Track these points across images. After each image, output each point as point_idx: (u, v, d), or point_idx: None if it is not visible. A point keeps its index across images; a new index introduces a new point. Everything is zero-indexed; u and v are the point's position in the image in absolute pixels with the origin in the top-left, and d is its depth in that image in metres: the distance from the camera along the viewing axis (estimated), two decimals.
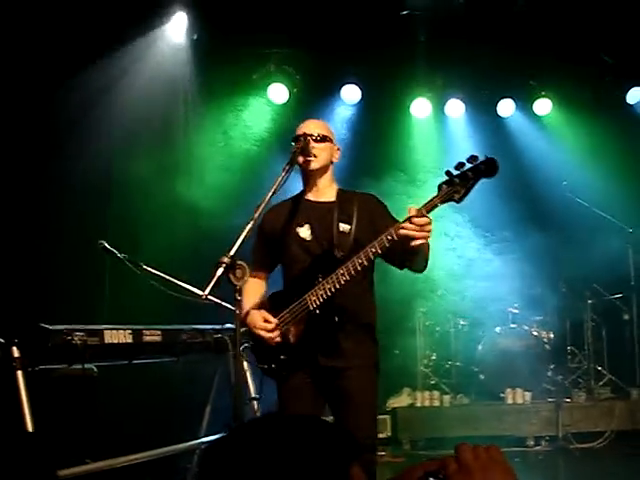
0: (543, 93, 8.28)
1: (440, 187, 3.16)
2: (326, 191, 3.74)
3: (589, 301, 7.54)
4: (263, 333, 3.54)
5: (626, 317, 7.50)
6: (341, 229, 3.60)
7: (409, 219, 3.19)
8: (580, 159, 8.14)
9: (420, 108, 8.23)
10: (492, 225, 7.32)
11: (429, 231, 3.21)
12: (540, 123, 8.49)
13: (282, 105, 7.81)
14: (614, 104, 8.23)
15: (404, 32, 7.47)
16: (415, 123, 8.36)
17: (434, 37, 7.54)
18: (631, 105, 8.27)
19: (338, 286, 3.40)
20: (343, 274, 3.38)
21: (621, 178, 7.71)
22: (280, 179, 3.40)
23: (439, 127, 8.45)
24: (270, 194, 3.34)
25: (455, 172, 3.12)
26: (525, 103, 8.38)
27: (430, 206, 3.19)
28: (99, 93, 6.24)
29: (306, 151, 3.60)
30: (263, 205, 3.30)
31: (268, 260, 3.80)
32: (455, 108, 8.31)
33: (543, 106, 8.32)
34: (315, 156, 3.63)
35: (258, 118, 7.76)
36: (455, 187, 3.12)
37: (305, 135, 3.64)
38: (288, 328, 3.55)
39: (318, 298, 3.45)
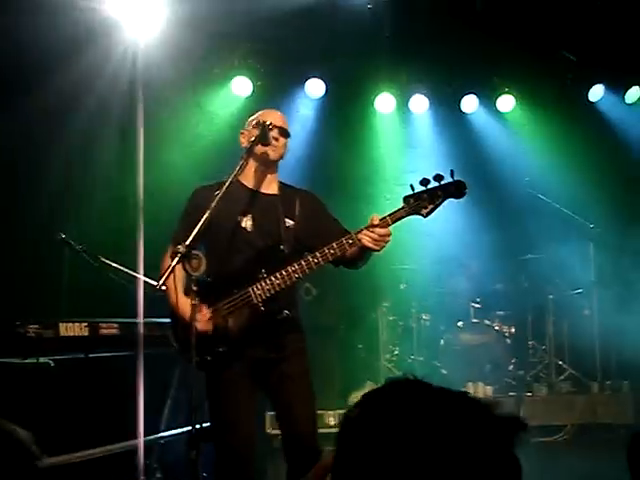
0: (506, 89, 8.32)
1: (407, 200, 3.29)
2: (269, 183, 3.71)
3: (550, 296, 7.60)
4: (198, 324, 3.29)
5: (587, 312, 7.57)
6: (286, 224, 3.59)
7: (371, 227, 3.24)
8: (542, 156, 8.20)
9: (384, 103, 8.22)
10: (454, 221, 7.32)
11: (387, 242, 3.30)
12: (503, 119, 8.53)
13: (246, 98, 7.73)
14: (576, 101, 8.30)
15: (369, 27, 7.45)
16: (379, 118, 8.35)
17: (399, 32, 7.53)
18: (592, 103, 8.34)
19: (289, 283, 3.40)
20: (295, 271, 3.38)
21: (582, 175, 7.77)
22: (238, 169, 3.38)
23: (403, 122, 8.45)
24: (228, 183, 3.32)
25: (421, 187, 3.25)
26: (488, 99, 8.41)
27: (395, 218, 3.29)
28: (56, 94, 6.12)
29: (266, 139, 3.56)
30: (221, 194, 3.27)
31: (198, 241, 3.44)
32: (419, 104, 8.31)
33: (506, 102, 8.35)
34: (280, 148, 3.65)
35: (221, 111, 7.67)
36: (423, 202, 3.25)
37: (272, 124, 3.61)
38: (225, 320, 3.47)
39: (264, 292, 3.41)
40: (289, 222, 3.59)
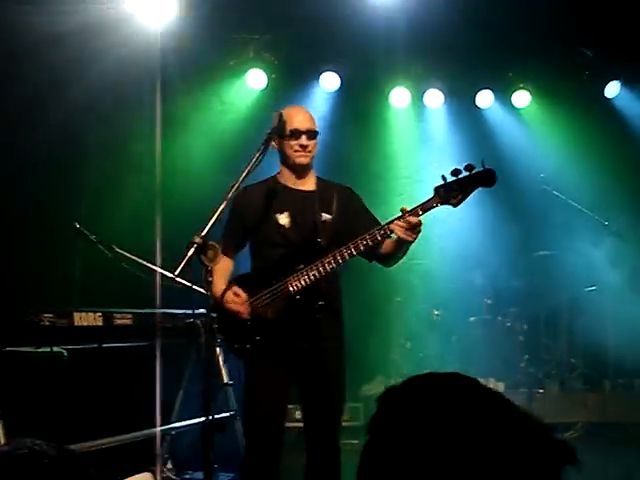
0: (522, 85, 8.26)
1: (437, 190, 3.34)
2: (306, 180, 3.79)
3: (564, 293, 7.57)
4: (234, 306, 3.55)
5: (600, 309, 7.52)
6: (323, 219, 3.66)
7: (402, 217, 3.28)
8: (557, 152, 8.15)
9: (399, 97, 8.18)
10: (469, 217, 7.29)
11: (419, 232, 3.34)
12: (518, 115, 8.48)
13: (260, 91, 7.72)
14: (592, 97, 8.23)
15: (384, 21, 7.40)
16: (394, 112, 8.32)
17: (414, 26, 7.47)
18: (609, 99, 8.28)
19: (323, 273, 3.48)
20: (329, 262, 3.46)
21: (597, 171, 7.73)
22: (254, 160, 3.39)
23: (418, 117, 8.42)
24: (244, 175, 3.34)
25: (451, 178, 3.30)
26: (504, 95, 8.35)
27: (426, 207, 3.34)
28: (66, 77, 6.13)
29: (282, 132, 3.61)
30: (237, 185, 3.29)
31: (241, 240, 3.82)
32: (434, 98, 8.26)
33: (522, 98, 8.30)
34: (310, 152, 3.71)
35: (235, 104, 7.67)
36: (453, 192, 3.30)
37: (298, 130, 3.66)
38: (265, 309, 3.55)
39: (300, 283, 3.50)
40: (326, 216, 3.67)
